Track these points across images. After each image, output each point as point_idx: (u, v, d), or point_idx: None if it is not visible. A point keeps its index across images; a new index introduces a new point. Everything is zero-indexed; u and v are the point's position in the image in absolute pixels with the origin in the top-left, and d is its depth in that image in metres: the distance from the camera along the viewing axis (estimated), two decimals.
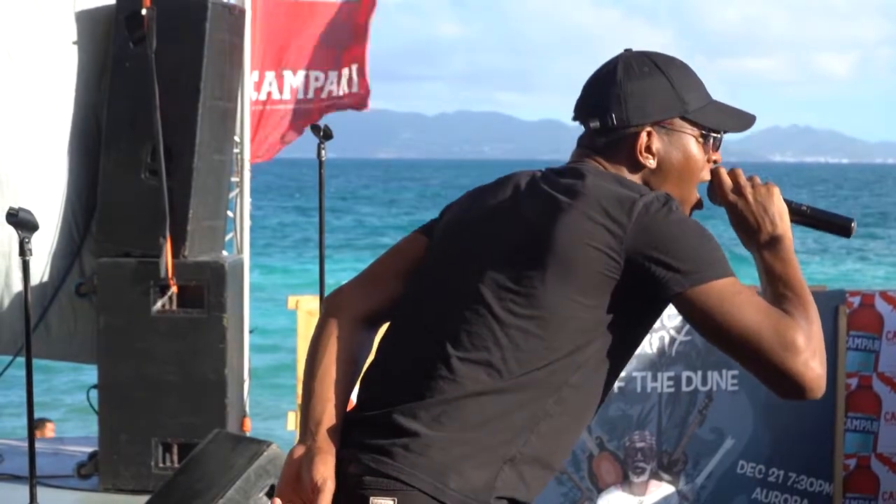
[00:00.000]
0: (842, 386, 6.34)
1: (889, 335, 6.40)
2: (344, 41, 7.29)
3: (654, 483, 6.25)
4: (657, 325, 6.12)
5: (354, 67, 7.31)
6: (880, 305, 6.39)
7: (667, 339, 6.18)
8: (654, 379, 6.18)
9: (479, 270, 2.31)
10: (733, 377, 6.25)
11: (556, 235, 2.26)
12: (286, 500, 2.29)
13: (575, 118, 2.50)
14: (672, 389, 6.21)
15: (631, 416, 6.19)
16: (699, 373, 6.22)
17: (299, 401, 5.97)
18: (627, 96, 2.41)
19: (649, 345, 6.16)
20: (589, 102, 2.47)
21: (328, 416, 2.31)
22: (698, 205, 2.51)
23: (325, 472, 2.26)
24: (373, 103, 7.51)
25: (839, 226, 2.55)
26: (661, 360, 6.19)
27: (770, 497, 6.32)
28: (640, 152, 2.42)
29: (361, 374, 2.43)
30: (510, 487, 2.25)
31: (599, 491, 6.20)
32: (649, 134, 2.41)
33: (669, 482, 6.25)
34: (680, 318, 6.05)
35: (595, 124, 2.43)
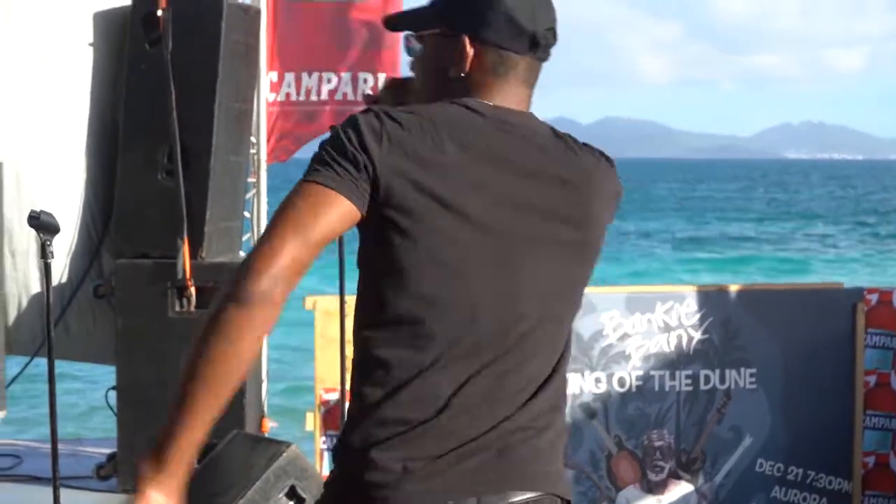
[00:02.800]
0: (860, 383, 6.31)
1: None
2: (361, 43, 7.25)
3: (672, 482, 6.24)
4: (675, 323, 6.12)
5: (382, 76, 7.25)
6: None
7: (685, 338, 6.17)
8: (672, 378, 6.17)
9: (545, 286, 2.26)
10: (751, 375, 6.24)
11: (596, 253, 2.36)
12: None
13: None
14: (690, 388, 6.20)
15: (649, 414, 6.18)
16: (717, 371, 6.21)
17: (318, 401, 6.00)
18: None
19: (667, 343, 6.15)
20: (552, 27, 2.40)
21: (193, 444, 2.14)
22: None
23: None
24: None
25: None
26: (678, 359, 6.17)
27: (789, 495, 6.30)
28: None
29: (397, 393, 2.18)
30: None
31: (618, 490, 6.19)
32: None
33: (688, 481, 6.24)
34: (698, 316, 6.11)
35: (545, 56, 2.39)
